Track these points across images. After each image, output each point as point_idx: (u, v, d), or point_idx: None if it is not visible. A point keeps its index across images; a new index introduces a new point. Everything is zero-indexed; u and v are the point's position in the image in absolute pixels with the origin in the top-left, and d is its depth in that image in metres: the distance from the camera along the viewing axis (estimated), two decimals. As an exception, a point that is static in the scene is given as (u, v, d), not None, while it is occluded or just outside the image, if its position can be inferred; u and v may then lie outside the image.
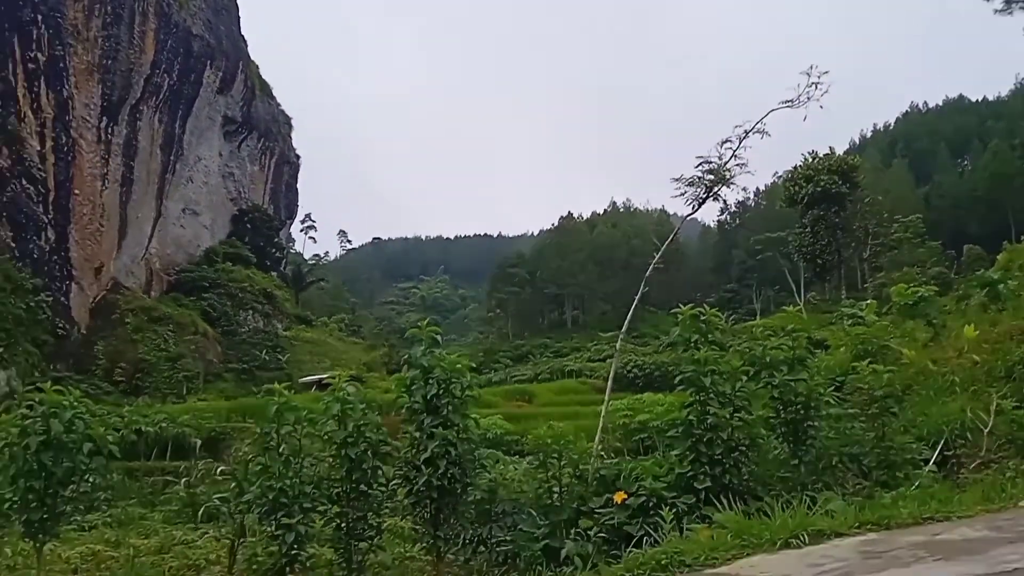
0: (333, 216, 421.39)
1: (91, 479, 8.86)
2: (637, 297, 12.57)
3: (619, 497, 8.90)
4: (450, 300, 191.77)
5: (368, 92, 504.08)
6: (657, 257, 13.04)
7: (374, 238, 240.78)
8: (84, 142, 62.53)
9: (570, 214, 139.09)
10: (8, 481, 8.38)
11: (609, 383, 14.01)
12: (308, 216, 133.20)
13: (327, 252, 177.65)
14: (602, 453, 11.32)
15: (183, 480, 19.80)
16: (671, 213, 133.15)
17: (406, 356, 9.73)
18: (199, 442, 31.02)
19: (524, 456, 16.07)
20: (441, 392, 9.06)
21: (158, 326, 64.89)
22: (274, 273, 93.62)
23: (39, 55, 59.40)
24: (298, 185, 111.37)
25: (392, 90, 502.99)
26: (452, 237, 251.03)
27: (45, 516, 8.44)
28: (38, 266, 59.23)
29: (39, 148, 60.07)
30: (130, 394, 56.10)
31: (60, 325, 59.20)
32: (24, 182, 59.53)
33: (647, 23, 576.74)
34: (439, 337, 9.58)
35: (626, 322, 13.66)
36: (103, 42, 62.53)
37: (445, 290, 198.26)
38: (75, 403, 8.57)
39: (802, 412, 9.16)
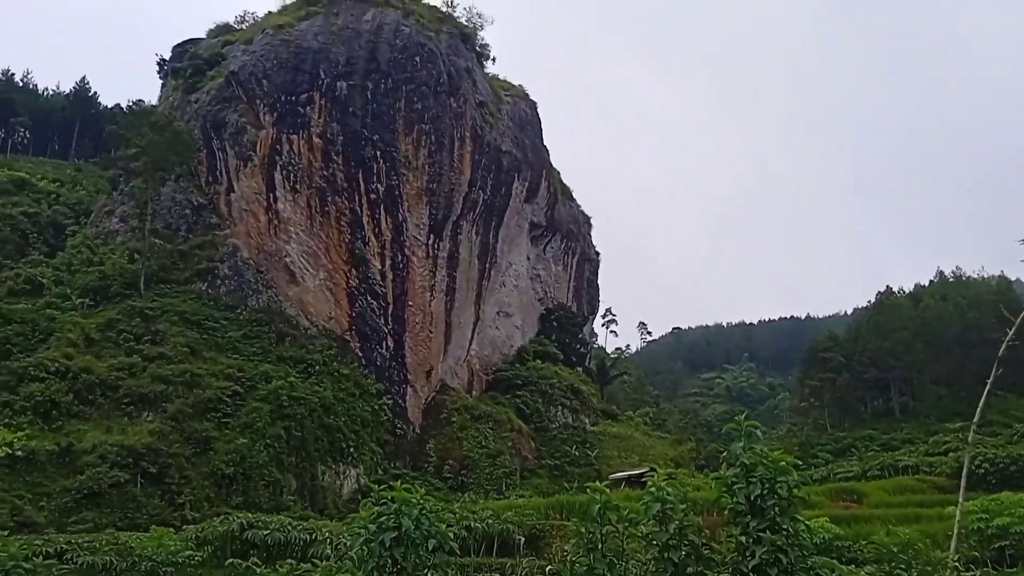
0: (632, 308, 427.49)
1: (432, 575, 9.48)
2: (990, 381, 11.01)
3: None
4: (757, 389, 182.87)
5: (657, 178, 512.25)
6: (1011, 333, 11.36)
7: (673, 328, 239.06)
8: (415, 258, 70.91)
9: (888, 288, 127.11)
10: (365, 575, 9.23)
11: (963, 482, 12.21)
12: (608, 310, 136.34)
13: (628, 345, 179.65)
14: (957, 563, 9.84)
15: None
16: (1013, 279, 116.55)
17: (724, 453, 9.34)
18: (522, 539, 32.07)
19: (861, 564, 14.50)
20: (766, 492, 8.53)
21: (479, 424, 69.64)
22: (579, 368, 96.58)
23: (379, 186, 69.50)
24: (598, 281, 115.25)
25: (680, 171, 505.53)
26: (755, 322, 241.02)
27: (394, 611, 8.99)
28: (380, 372, 67.34)
29: (380, 267, 69.40)
30: (456, 490, 60.24)
31: (398, 425, 66.13)
32: (369, 298, 68.84)
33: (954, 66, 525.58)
34: (759, 432, 9.11)
35: (979, 410, 11.95)
36: (429, 168, 71.44)
37: (751, 379, 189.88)
38: (421, 500, 9.35)
39: None
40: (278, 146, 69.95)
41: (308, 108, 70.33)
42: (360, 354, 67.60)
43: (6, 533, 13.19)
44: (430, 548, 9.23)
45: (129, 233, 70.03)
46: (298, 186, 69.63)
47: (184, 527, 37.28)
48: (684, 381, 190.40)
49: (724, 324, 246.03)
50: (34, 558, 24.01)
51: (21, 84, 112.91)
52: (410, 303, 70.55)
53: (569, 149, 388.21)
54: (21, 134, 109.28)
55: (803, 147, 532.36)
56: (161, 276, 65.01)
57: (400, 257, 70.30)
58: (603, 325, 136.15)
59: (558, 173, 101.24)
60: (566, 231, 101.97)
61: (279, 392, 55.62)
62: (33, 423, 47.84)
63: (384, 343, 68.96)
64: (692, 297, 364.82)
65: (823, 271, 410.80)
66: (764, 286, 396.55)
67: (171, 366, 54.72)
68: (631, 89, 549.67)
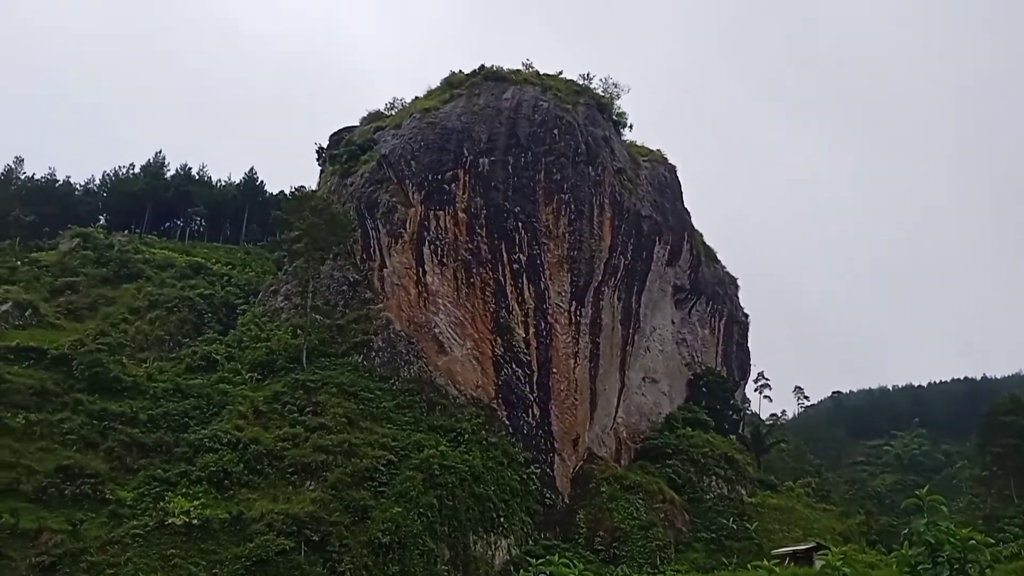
0: (787, 372, 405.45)
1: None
2: None
3: None
4: (931, 457, 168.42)
5: (810, 234, 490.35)
6: None
7: (833, 392, 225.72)
8: (558, 325, 71.34)
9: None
10: (531, 655, 9.08)
11: None
12: (761, 374, 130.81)
13: (783, 411, 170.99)
14: None
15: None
16: None
17: (905, 530, 8.68)
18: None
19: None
20: (955, 573, 7.83)
21: (629, 494, 67.85)
22: (732, 436, 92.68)
23: (520, 256, 71.01)
24: (748, 344, 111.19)
25: (835, 224, 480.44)
26: (924, 384, 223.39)
27: None
28: (527, 440, 67.42)
29: (523, 335, 70.24)
30: (608, 562, 58.66)
31: (547, 495, 65.55)
32: (514, 366, 69.61)
33: None
34: (944, 507, 8.40)
35: None
36: (569, 236, 72.43)
37: (924, 446, 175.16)
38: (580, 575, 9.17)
39: None
40: (426, 222, 73.10)
41: (453, 185, 73.33)
42: (507, 422, 68.07)
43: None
44: (591, 625, 9.03)
45: (293, 310, 74.48)
46: (445, 259, 72.19)
47: (344, 595, 38.28)
48: (848, 449, 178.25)
49: (889, 387, 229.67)
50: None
51: (197, 177, 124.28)
52: (554, 370, 70.71)
53: (714, 210, 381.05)
54: (197, 222, 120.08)
55: (969, 191, 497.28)
56: (321, 350, 68.46)
57: (543, 325, 70.94)
58: (756, 390, 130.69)
59: (701, 235, 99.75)
60: (711, 293, 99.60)
61: (431, 461, 56.67)
62: (207, 492, 51.02)
63: (530, 411, 69.20)
64: (852, 359, 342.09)
65: (998, 327, 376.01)
66: (933, 345, 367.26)
67: (331, 436, 57.12)
68: (776, 144, 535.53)
